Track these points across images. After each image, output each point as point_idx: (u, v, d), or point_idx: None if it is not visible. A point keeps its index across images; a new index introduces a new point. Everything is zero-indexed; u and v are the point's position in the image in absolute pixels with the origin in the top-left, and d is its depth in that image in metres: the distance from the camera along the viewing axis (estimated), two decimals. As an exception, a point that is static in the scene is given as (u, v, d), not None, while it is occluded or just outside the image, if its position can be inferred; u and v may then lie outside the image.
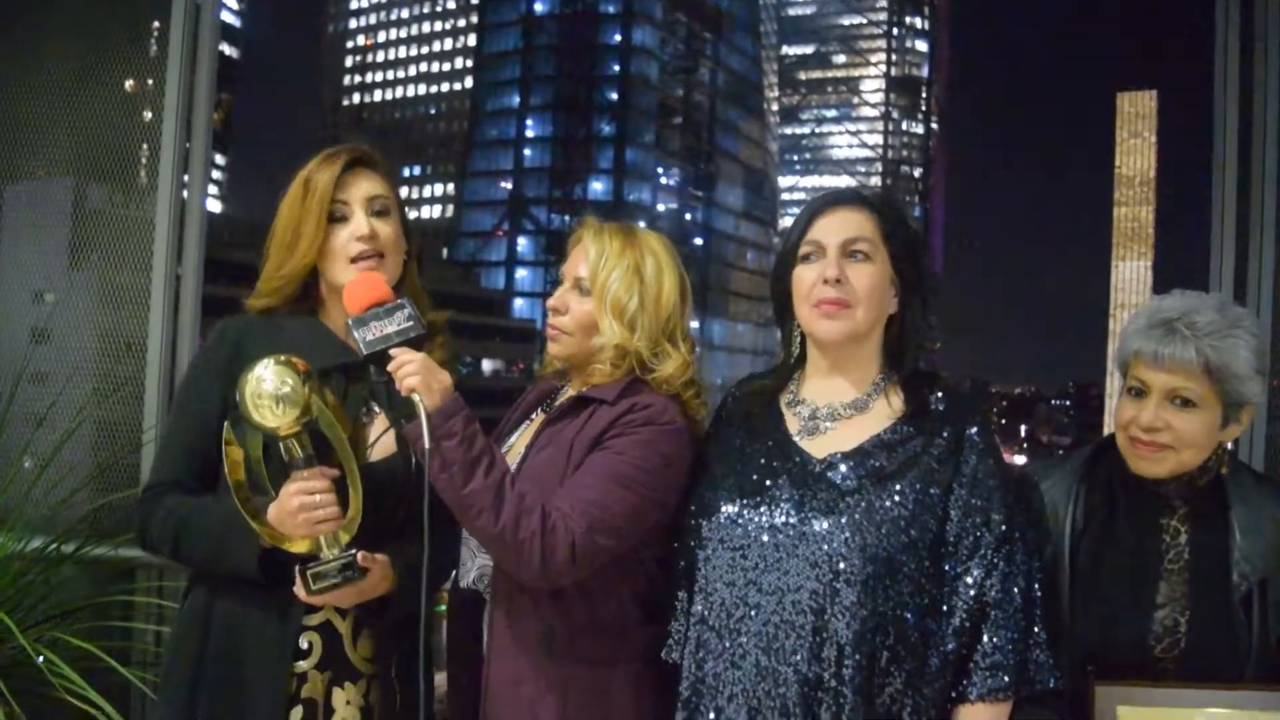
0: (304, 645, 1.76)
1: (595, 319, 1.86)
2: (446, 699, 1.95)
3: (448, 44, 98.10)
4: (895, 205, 1.83)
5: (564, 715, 1.76)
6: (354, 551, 1.68)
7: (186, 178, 3.04)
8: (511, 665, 1.78)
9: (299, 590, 1.67)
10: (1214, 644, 1.72)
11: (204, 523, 1.75)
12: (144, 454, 2.84)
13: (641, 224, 2.05)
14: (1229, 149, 2.91)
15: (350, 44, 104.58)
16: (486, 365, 62.79)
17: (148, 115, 3.05)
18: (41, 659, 2.40)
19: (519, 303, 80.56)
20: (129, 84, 3.12)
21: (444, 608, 2.00)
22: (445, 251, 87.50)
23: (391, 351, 1.66)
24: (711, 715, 1.68)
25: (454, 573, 1.93)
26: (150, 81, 3.05)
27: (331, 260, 1.84)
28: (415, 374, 1.64)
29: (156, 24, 3.07)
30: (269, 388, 1.62)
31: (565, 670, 1.77)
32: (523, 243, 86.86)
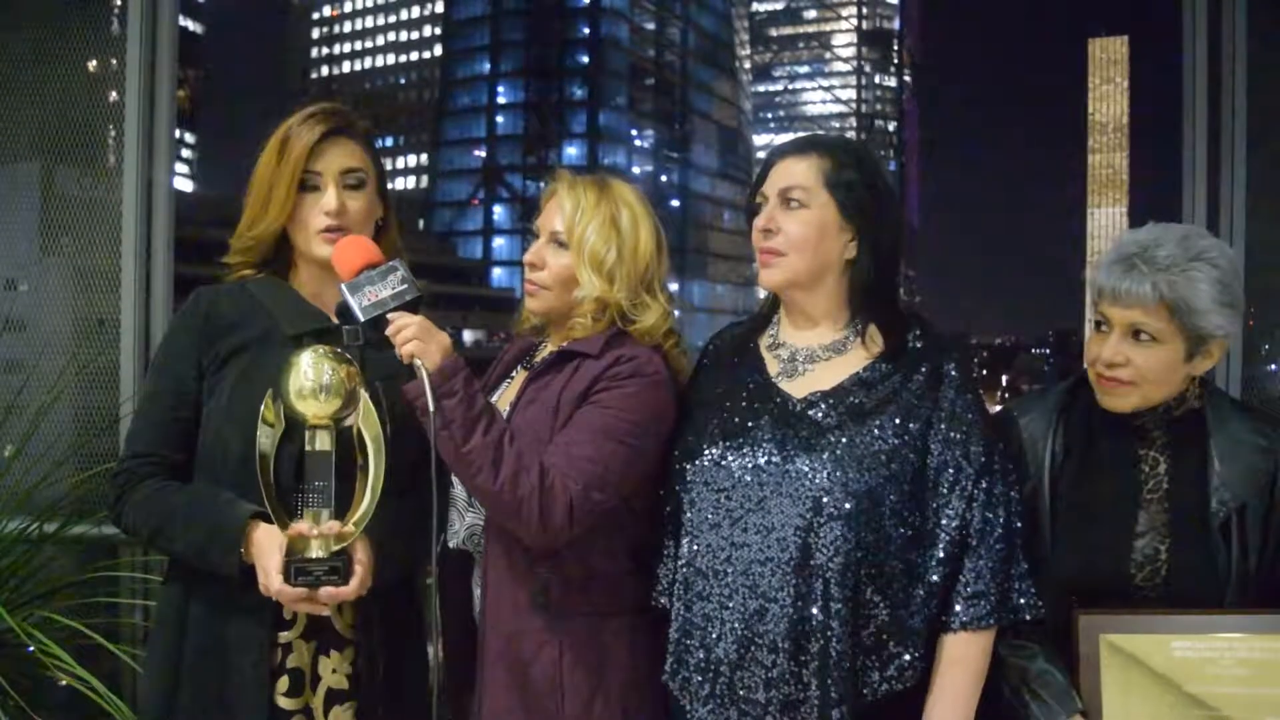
0: (287, 616, 1.73)
1: (573, 272, 1.84)
2: (442, 662, 1.95)
3: (415, 11, 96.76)
4: (849, 149, 1.79)
5: (560, 669, 1.76)
6: (345, 557, 1.62)
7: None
8: (506, 622, 1.78)
9: (270, 583, 1.60)
10: (1194, 572, 1.73)
11: (186, 526, 1.70)
12: (120, 431, 2.81)
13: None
14: (1199, 92, 2.90)
15: (316, 15, 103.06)
16: (467, 336, 62.63)
17: (113, 95, 2.99)
18: (31, 648, 2.39)
19: (497, 272, 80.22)
20: (92, 64, 3.06)
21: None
22: (421, 223, 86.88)
23: (389, 316, 1.65)
24: (700, 654, 1.69)
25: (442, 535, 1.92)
26: (114, 61, 2.98)
27: (300, 228, 1.81)
28: (413, 339, 1.63)
29: (118, 1, 3.01)
30: (311, 376, 1.60)
31: (560, 624, 1.77)
32: (499, 211, 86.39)
